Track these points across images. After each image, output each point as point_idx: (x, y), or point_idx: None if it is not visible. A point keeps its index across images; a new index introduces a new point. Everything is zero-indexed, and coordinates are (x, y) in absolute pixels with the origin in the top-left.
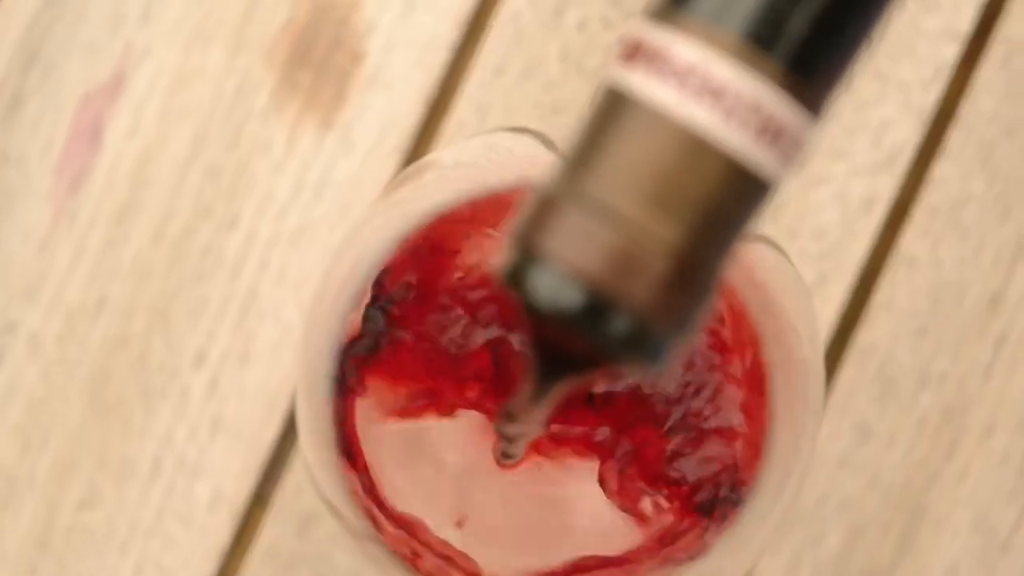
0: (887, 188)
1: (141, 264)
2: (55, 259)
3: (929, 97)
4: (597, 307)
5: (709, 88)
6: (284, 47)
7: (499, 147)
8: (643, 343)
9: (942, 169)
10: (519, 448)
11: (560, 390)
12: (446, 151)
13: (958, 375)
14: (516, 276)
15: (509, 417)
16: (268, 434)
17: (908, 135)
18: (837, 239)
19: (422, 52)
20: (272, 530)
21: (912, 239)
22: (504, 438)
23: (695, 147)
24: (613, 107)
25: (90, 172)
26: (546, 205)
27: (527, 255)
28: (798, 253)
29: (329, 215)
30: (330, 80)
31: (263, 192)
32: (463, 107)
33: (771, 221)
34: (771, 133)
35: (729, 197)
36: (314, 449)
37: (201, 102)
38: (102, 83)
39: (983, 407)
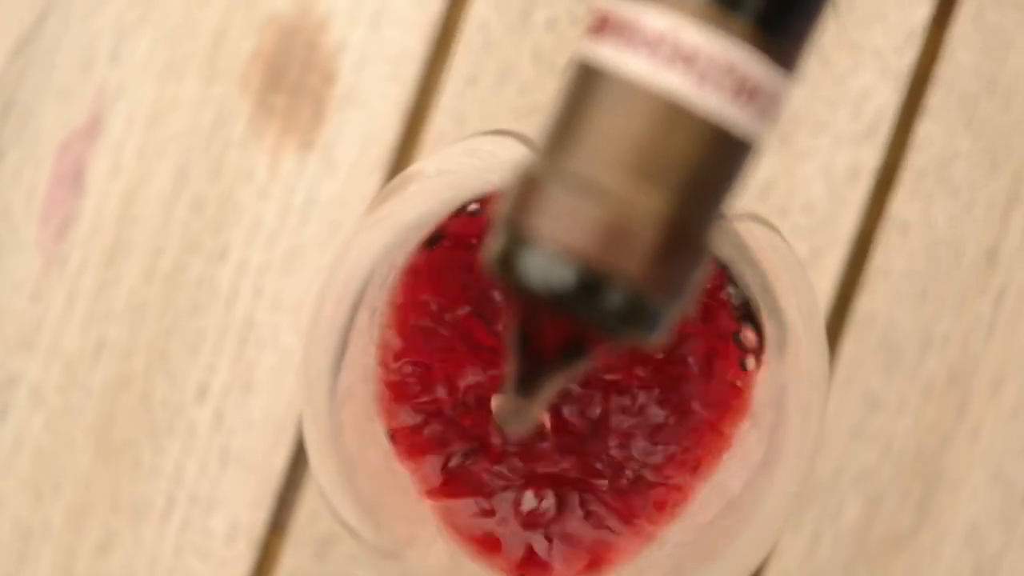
0: (872, 156)
1: (135, 303)
2: (49, 307)
3: (905, 60)
4: (590, 284)
5: (681, 54)
6: (256, 74)
7: (481, 151)
8: (640, 315)
9: (925, 130)
10: (524, 422)
11: (553, 381)
12: (429, 160)
13: (961, 334)
14: (505, 260)
15: (507, 406)
16: (278, 461)
17: (888, 101)
18: (827, 212)
19: (394, 66)
20: (291, 556)
21: (902, 203)
22: (505, 418)
23: (672, 114)
24: (587, 82)
25: (75, 217)
26: (529, 186)
27: (515, 238)
28: (790, 230)
29: (318, 236)
30: (305, 102)
31: (250, 219)
32: (440, 118)
33: (759, 201)
34: (747, 93)
35: (712, 161)
36: (325, 471)
37: (179, 136)
38: (79, 126)
39: (989, 363)
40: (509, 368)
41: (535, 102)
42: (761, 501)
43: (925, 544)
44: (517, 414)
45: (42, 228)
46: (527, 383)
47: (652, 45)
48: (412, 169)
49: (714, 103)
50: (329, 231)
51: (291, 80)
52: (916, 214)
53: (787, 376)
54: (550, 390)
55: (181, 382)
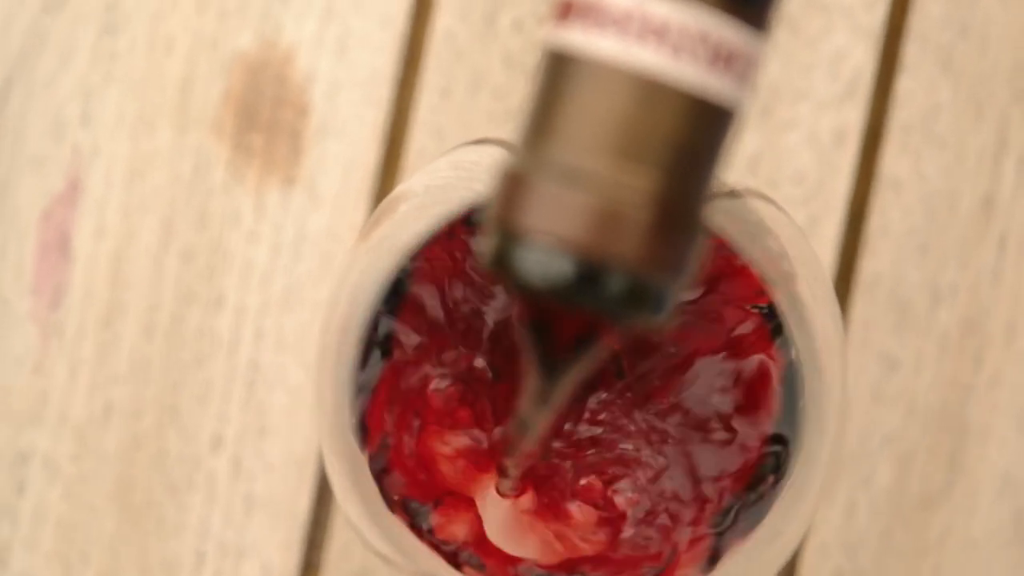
0: (855, 117)
1: (138, 362)
2: (52, 378)
3: (876, 17)
4: (589, 272)
5: (651, 29)
6: (229, 116)
7: (465, 162)
8: (643, 297)
9: (905, 85)
10: (516, 471)
11: (569, 376)
12: (414, 179)
13: (968, 284)
14: (501, 260)
15: (514, 431)
16: (303, 500)
17: (864, 59)
18: (818, 179)
19: (366, 90)
20: None
21: (892, 161)
22: (505, 463)
23: (651, 91)
24: (558, 70)
25: (67, 284)
26: (515, 182)
27: (507, 236)
28: (783, 201)
29: (312, 271)
30: (282, 138)
31: (242, 263)
32: (419, 134)
33: (749, 176)
34: (723, 59)
35: (696, 132)
36: (353, 503)
37: (161, 189)
38: (58, 193)
39: (1000, 309)
40: (527, 363)
41: (510, 106)
42: (795, 478)
43: (960, 499)
44: (537, 403)
45: (35, 300)
46: (547, 373)
47: (620, 23)
48: (399, 190)
49: (691, 74)
50: (322, 264)
51: (265, 117)
52: (907, 170)
53: (805, 347)
54: (569, 381)
55: (194, 434)
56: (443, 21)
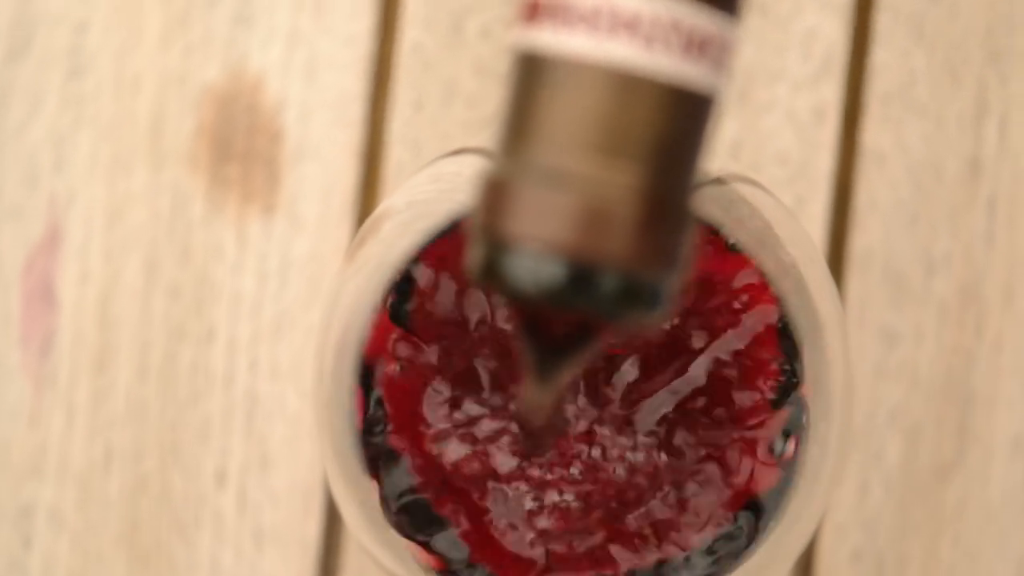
0: (832, 93)
1: (134, 404)
2: (49, 428)
3: None
4: (581, 274)
5: (621, 21)
6: (203, 149)
7: (445, 174)
8: (637, 295)
9: (879, 56)
10: (546, 441)
11: (566, 371)
12: (395, 196)
13: (961, 251)
14: (490, 269)
15: (525, 417)
16: (312, 529)
17: (835, 35)
18: (801, 159)
19: (338, 111)
20: None
21: (873, 134)
22: (529, 439)
23: (627, 84)
24: (531, 72)
25: (55, 332)
26: (497, 189)
27: (494, 245)
28: (768, 184)
29: (300, 296)
30: (258, 166)
31: (230, 295)
32: (396, 150)
33: (731, 161)
34: (697, 46)
35: (676, 122)
36: (364, 527)
37: (141, 228)
38: (38, 242)
39: (996, 273)
40: (524, 361)
41: (485, 113)
42: (806, 463)
43: (973, 467)
44: (538, 402)
45: (24, 351)
46: (544, 372)
47: (589, 19)
48: (381, 208)
49: (666, 64)
50: (310, 289)
51: (239, 147)
52: (889, 142)
53: (809, 332)
54: (568, 375)
55: (197, 472)
56: (409, 34)
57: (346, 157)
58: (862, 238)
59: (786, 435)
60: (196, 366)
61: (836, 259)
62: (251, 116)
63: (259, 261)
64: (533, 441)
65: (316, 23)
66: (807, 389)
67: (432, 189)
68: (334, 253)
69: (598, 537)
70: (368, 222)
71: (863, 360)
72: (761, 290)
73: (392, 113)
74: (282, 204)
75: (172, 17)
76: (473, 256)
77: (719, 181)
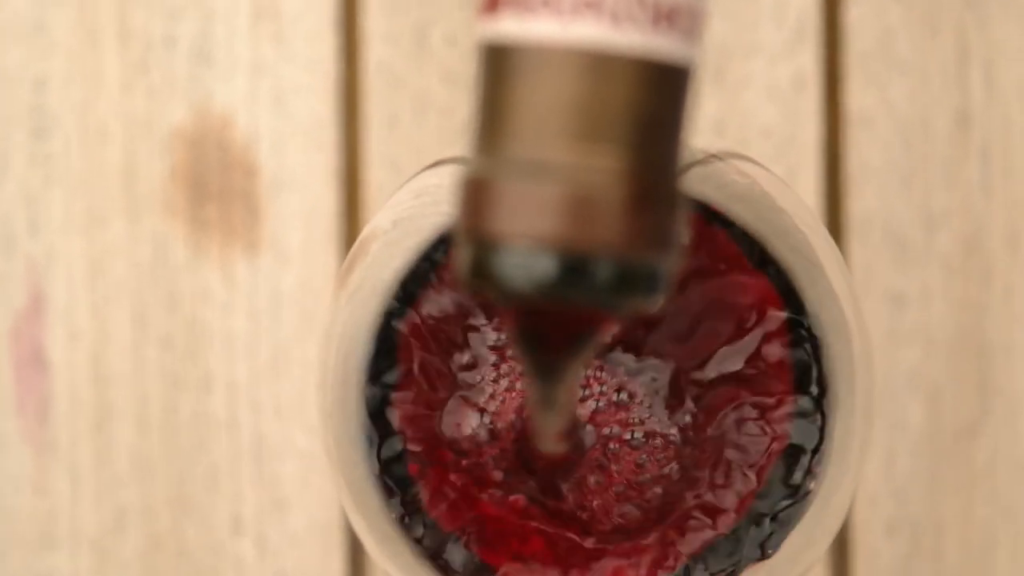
0: (810, 59)
1: (139, 460)
2: (56, 495)
3: None
4: (574, 265)
5: (584, 0)
6: (179, 193)
7: (427, 188)
8: (633, 280)
9: (853, 16)
10: (557, 412)
11: (570, 372)
12: (379, 216)
13: (959, 204)
14: (480, 271)
15: (535, 420)
16: (335, 565)
17: (806, 1)
18: (787, 130)
19: (311, 137)
20: None
21: (857, 96)
22: (544, 436)
23: (598, 65)
24: (499, 64)
25: (51, 396)
26: (478, 189)
27: (482, 246)
28: (757, 158)
29: (295, 331)
30: (237, 203)
31: (223, 338)
32: (374, 170)
33: (716, 140)
34: (665, 17)
35: (653, 98)
36: (389, 556)
37: (124, 281)
38: (22, 308)
39: (998, 221)
40: (526, 367)
41: (459, 121)
42: (836, 440)
43: (998, 421)
44: (548, 408)
45: (22, 419)
46: (547, 374)
47: (552, 2)
48: (367, 230)
49: (636, 39)
50: (304, 322)
51: (215, 187)
52: (874, 103)
53: (821, 305)
54: (573, 374)
55: (212, 522)
56: (374, 52)
57: (324, 183)
58: (858, 203)
59: (816, 405)
60: (197, 414)
61: (834, 227)
62: (223, 153)
63: (249, 300)
64: (549, 445)
65: (277, 51)
66: (828, 359)
67: (416, 204)
68: (324, 282)
69: (651, 533)
70: (355, 246)
71: (874, 326)
72: (773, 304)
73: (366, 133)
74: (265, 239)
75: (130, 63)
76: (461, 260)
77: (710, 159)
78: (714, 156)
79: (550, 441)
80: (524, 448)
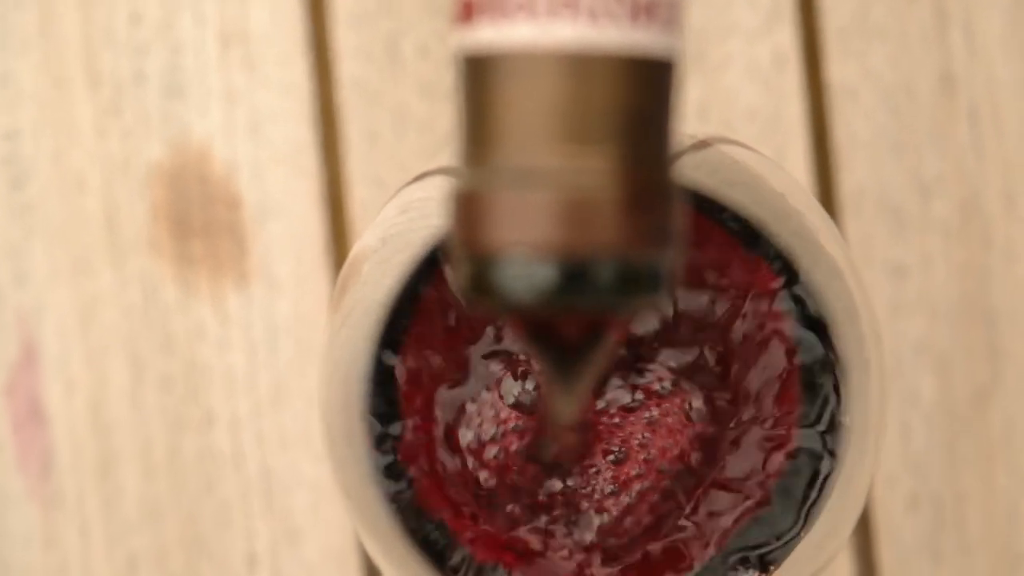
0: (788, 36)
1: (147, 506)
2: (65, 549)
3: None
4: (575, 271)
5: (561, 1)
6: (163, 232)
7: (413, 202)
8: (637, 279)
9: None
10: (570, 417)
11: (588, 372)
12: (367, 234)
13: (952, 168)
14: (479, 285)
15: (550, 421)
16: None
17: None
18: (771, 109)
19: (291, 162)
20: None
21: (838, 68)
22: (553, 445)
23: (580, 66)
24: (479, 74)
25: (52, 449)
26: (470, 201)
27: (479, 260)
28: (744, 140)
29: (294, 360)
30: (223, 236)
31: (221, 374)
32: (358, 190)
33: (702, 124)
34: (644, 10)
35: (639, 94)
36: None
37: (117, 326)
38: (15, 361)
39: (992, 182)
40: (541, 372)
41: (441, 133)
42: (852, 421)
43: (1011, 385)
44: (566, 411)
45: (25, 475)
46: (561, 373)
47: (527, 6)
48: (356, 250)
49: (616, 35)
50: (302, 350)
51: (198, 222)
52: (856, 73)
53: (825, 284)
54: (588, 378)
55: (226, 560)
56: (347, 69)
57: (309, 208)
58: (849, 177)
59: (831, 390)
60: (202, 453)
61: (827, 203)
62: (204, 187)
63: (244, 333)
64: (562, 451)
65: (250, 78)
66: (839, 340)
67: (403, 220)
68: (318, 308)
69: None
70: (346, 267)
71: (877, 300)
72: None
73: (347, 154)
74: (254, 270)
75: (102, 105)
76: (459, 276)
77: (699, 145)
78: (704, 142)
79: (563, 434)
80: (532, 462)
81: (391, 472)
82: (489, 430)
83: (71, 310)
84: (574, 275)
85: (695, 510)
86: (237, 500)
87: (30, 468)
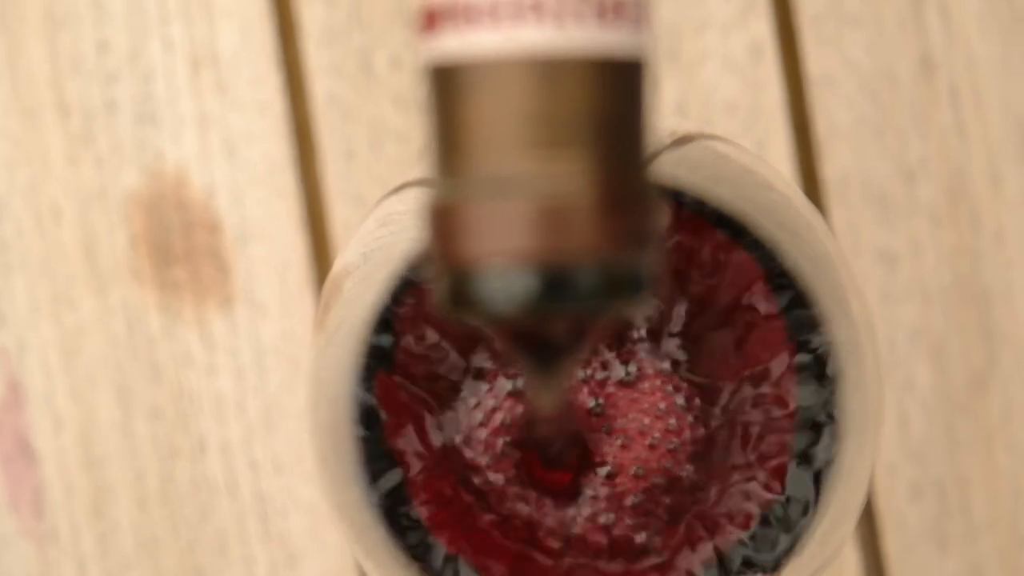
0: (763, 27)
1: (144, 538)
2: None
3: None
4: (556, 278)
5: (525, 6)
6: (144, 259)
7: (392, 216)
8: (619, 282)
9: None
10: (555, 397)
11: (569, 367)
12: (348, 250)
13: (936, 151)
14: (459, 299)
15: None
16: None
17: None
18: (750, 102)
19: (269, 183)
20: None
21: (816, 57)
22: (545, 445)
23: (548, 70)
24: (446, 84)
25: (44, 487)
26: (445, 214)
27: (457, 273)
28: (724, 133)
29: (283, 382)
30: (205, 261)
31: (211, 401)
32: (338, 207)
33: (681, 120)
34: (611, 9)
35: (610, 95)
36: None
37: (102, 358)
38: (1, 400)
39: (977, 163)
40: (524, 373)
41: (418, 145)
42: (849, 412)
43: (1008, 367)
44: (549, 404)
45: (18, 515)
46: (544, 374)
47: (491, 12)
48: (338, 267)
49: (583, 37)
50: (291, 372)
51: (179, 248)
52: (834, 61)
53: (814, 275)
54: (569, 370)
55: None
56: (320, 86)
57: (290, 228)
58: (833, 166)
59: (825, 382)
60: (196, 482)
61: (812, 192)
62: (183, 213)
63: (231, 358)
64: (551, 446)
65: (222, 100)
66: (830, 331)
67: (383, 234)
68: (304, 328)
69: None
70: (328, 285)
71: (867, 287)
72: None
73: (325, 171)
74: (238, 293)
75: (73, 135)
76: (438, 290)
77: (680, 141)
78: (685, 137)
79: (548, 423)
80: (526, 465)
81: (387, 492)
82: (481, 434)
83: (54, 344)
84: (555, 282)
85: (710, 502)
86: (233, 527)
87: (22, 507)
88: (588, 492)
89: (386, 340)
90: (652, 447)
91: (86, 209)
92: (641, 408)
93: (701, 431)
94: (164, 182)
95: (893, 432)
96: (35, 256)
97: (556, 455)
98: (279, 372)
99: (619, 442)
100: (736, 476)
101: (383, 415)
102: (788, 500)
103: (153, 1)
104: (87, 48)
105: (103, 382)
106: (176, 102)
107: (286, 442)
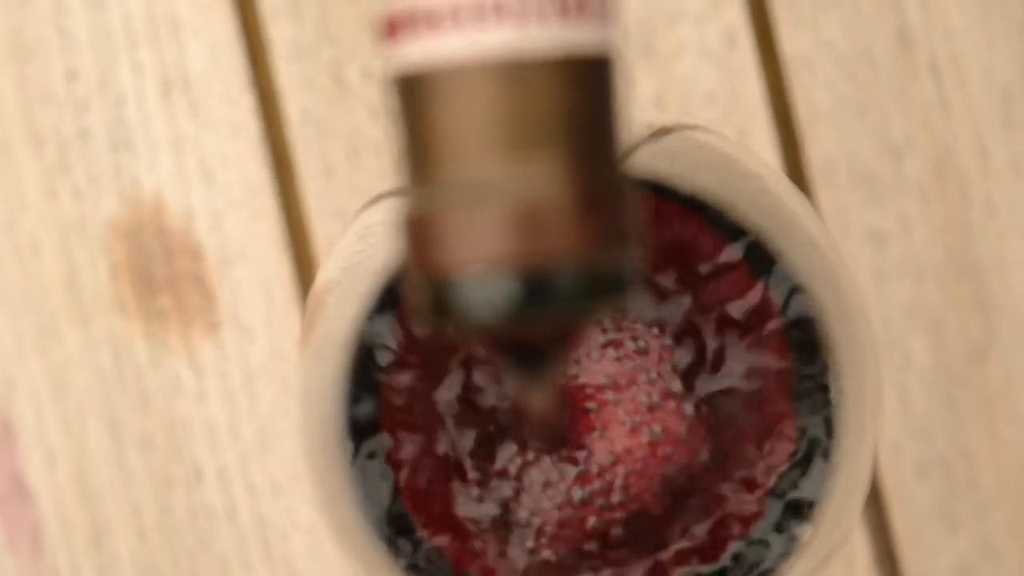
0: (736, 14)
1: (145, 569)
2: None
3: None
4: (536, 282)
5: (486, 8)
6: (127, 289)
7: (371, 228)
8: (601, 282)
9: None
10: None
11: (556, 366)
12: (329, 265)
13: (920, 127)
14: (439, 309)
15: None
16: None
17: None
18: (729, 90)
19: (248, 204)
20: None
21: (792, 40)
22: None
23: (514, 72)
24: (412, 92)
25: (40, 525)
26: (420, 224)
27: (435, 283)
28: (705, 123)
29: (275, 403)
30: (188, 288)
31: (203, 427)
32: (321, 224)
33: (660, 113)
34: (574, 7)
35: (579, 93)
36: None
37: (90, 391)
38: None
39: (964, 137)
40: (509, 376)
41: (395, 156)
42: (848, 396)
43: (1005, 338)
44: (539, 403)
45: (15, 555)
46: (530, 376)
47: (453, 17)
48: (320, 282)
49: (547, 36)
50: (282, 393)
51: (162, 276)
52: (810, 43)
53: (807, 265)
54: (557, 369)
55: None
56: (294, 102)
57: (273, 249)
58: (817, 149)
59: (821, 369)
60: (194, 510)
61: (797, 177)
62: (163, 240)
63: (221, 383)
64: (545, 439)
65: (196, 123)
66: (823, 316)
67: (364, 247)
68: (293, 348)
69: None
70: (310, 301)
71: (859, 268)
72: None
73: (304, 189)
74: (224, 318)
75: (48, 166)
76: (417, 301)
77: (659, 133)
78: (664, 129)
79: (540, 421)
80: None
81: (386, 510)
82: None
83: (42, 380)
84: (535, 287)
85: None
86: (234, 553)
87: (20, 547)
88: (580, 491)
89: (373, 358)
90: (652, 444)
91: (66, 241)
92: (630, 407)
93: (694, 422)
94: (142, 209)
95: (895, 411)
96: (16, 291)
97: (550, 441)
98: (270, 393)
99: (597, 435)
100: (735, 471)
101: (382, 431)
102: (788, 494)
103: (120, 26)
104: (55, 77)
105: (93, 415)
106: (149, 126)
107: (283, 464)
